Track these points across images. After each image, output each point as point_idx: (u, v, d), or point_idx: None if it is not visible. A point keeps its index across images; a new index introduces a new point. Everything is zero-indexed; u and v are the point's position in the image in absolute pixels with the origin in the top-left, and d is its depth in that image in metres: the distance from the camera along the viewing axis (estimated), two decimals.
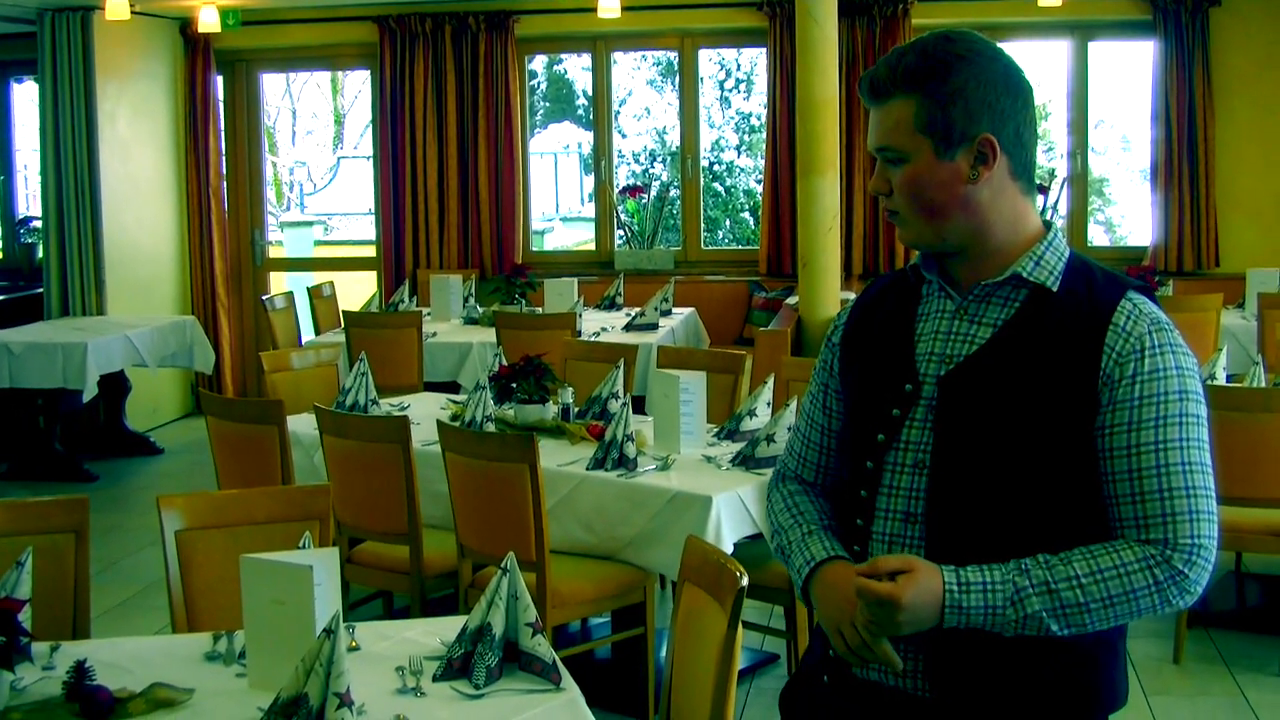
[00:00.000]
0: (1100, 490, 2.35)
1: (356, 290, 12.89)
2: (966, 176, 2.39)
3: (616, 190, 12.21)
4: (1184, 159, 10.86)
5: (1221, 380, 6.72)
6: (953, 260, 2.48)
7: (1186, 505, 2.29)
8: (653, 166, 16.58)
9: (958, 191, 2.40)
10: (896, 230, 2.50)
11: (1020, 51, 12.49)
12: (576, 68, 16.85)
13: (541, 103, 17.64)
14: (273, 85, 17.43)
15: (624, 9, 10.81)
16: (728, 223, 16.80)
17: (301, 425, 6.26)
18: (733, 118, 16.98)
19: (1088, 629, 2.31)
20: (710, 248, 12.88)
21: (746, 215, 16.50)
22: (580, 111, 17.26)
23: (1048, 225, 2.48)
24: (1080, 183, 11.49)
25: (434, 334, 9.42)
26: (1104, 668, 2.43)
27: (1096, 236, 13.23)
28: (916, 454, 2.43)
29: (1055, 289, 2.40)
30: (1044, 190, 11.15)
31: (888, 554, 2.43)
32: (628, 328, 9.48)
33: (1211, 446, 2.36)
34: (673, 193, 12.54)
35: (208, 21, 11.14)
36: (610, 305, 10.53)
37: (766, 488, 2.83)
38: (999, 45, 2.45)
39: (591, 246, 12.61)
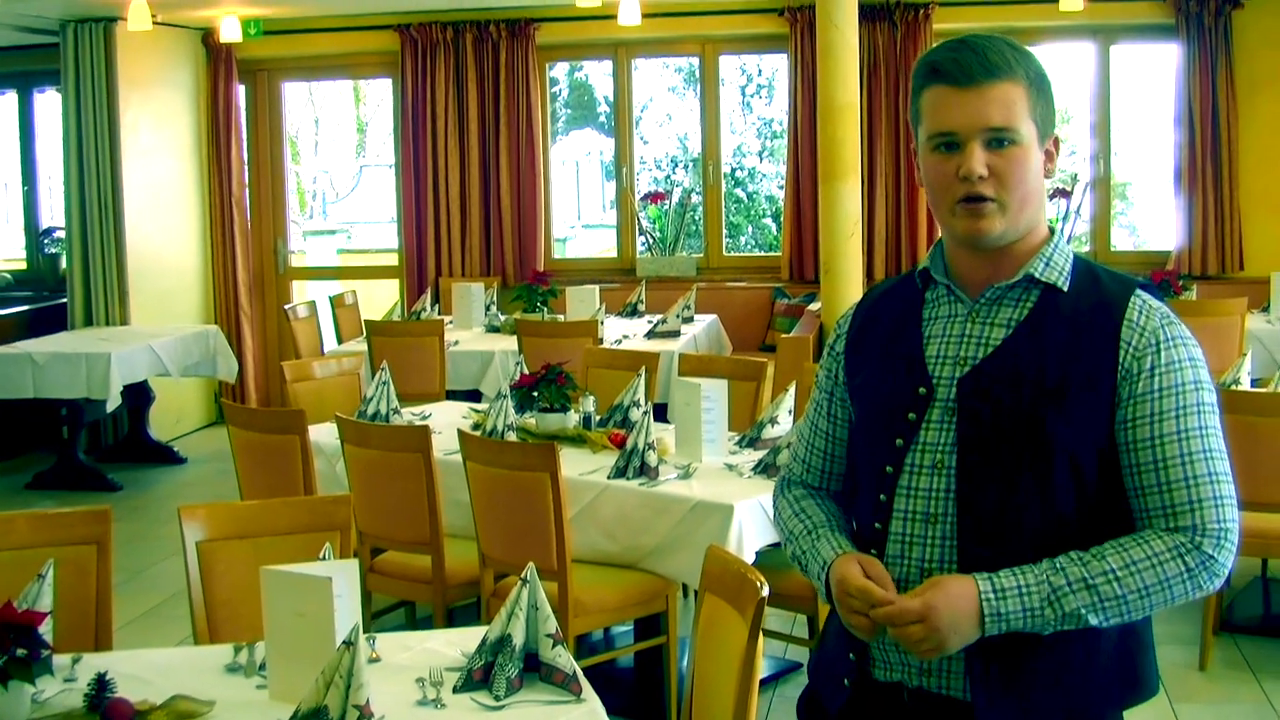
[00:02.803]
0: (1121, 483, 2.41)
1: (379, 298, 12.90)
2: (1045, 171, 2.47)
3: (638, 197, 12.21)
4: (1208, 162, 10.82)
5: (1246, 385, 6.70)
6: (976, 261, 2.50)
7: (1210, 491, 2.36)
8: (674, 173, 16.54)
9: (1040, 185, 2.48)
10: (978, 221, 2.42)
11: (1043, 55, 12.47)
12: (598, 74, 16.82)
13: (563, 109, 17.63)
14: (295, 94, 17.44)
15: (645, 16, 10.81)
16: (750, 228, 16.76)
17: (323, 434, 6.26)
18: (754, 123, 16.95)
19: (1124, 620, 2.37)
20: (732, 254, 12.85)
21: (769, 221, 16.46)
22: (601, 118, 17.24)
23: (1050, 229, 2.53)
24: (1103, 186, 11.46)
25: (456, 342, 9.42)
26: (1131, 656, 2.47)
27: (1120, 240, 13.16)
28: (935, 455, 2.47)
29: (1065, 289, 2.46)
30: (1067, 194, 11.13)
31: (906, 555, 2.48)
32: (649, 335, 9.48)
33: (1225, 434, 2.43)
34: (694, 199, 12.53)
35: (229, 31, 11.18)
36: (632, 312, 10.51)
37: (773, 495, 2.84)
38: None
39: (613, 253, 12.60)
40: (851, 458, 2.70)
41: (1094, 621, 2.33)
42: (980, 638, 2.36)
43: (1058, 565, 2.34)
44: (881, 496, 2.52)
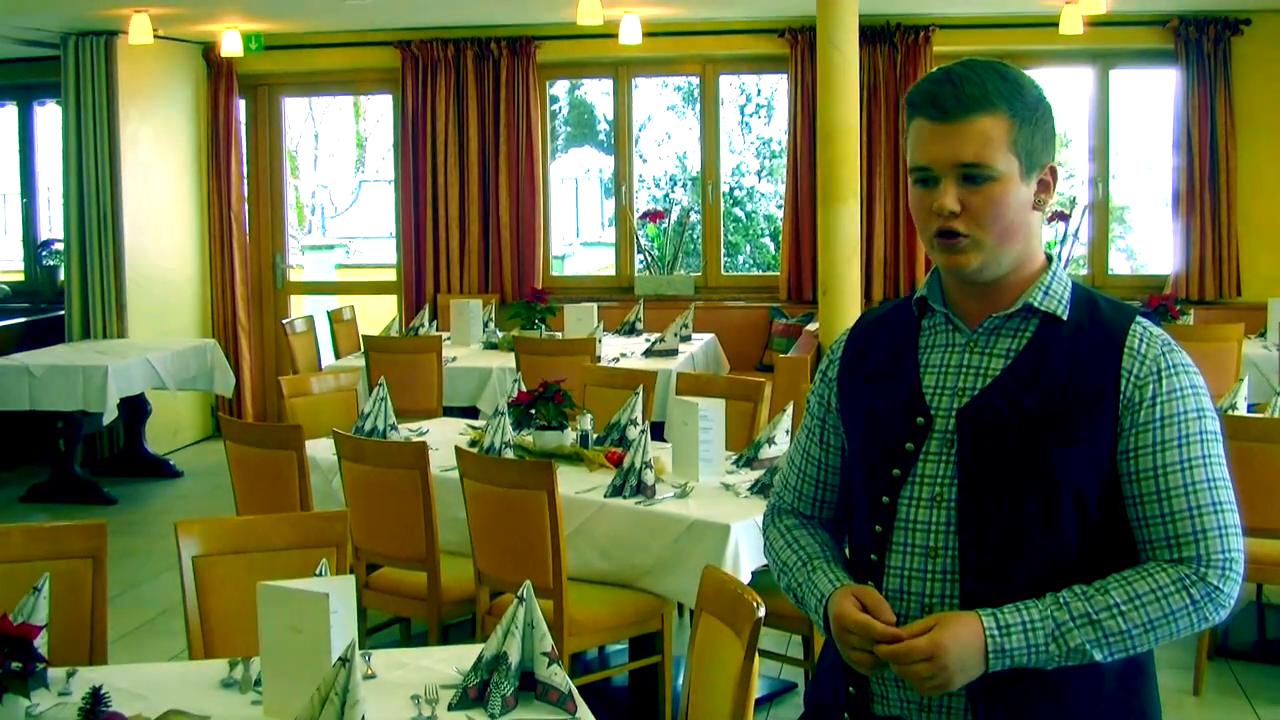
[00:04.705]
0: (1124, 514, 2.38)
1: (377, 314, 12.90)
2: (1035, 202, 2.42)
3: (637, 215, 12.21)
4: (1205, 187, 10.83)
5: (1243, 410, 6.69)
6: (972, 291, 2.47)
7: (1215, 521, 2.33)
8: (673, 191, 16.59)
9: (1028, 217, 2.42)
10: (954, 257, 2.41)
11: (1042, 79, 12.50)
12: (598, 92, 16.87)
13: (562, 127, 17.67)
14: (295, 109, 17.47)
15: (645, 35, 10.84)
16: (748, 248, 16.79)
17: (320, 450, 6.26)
18: (753, 143, 16.98)
19: (1129, 654, 2.34)
20: (730, 273, 12.88)
21: (767, 240, 16.48)
22: (601, 136, 17.28)
23: (1049, 257, 2.50)
24: (1101, 210, 11.48)
25: (454, 359, 9.42)
26: (1133, 688, 2.44)
27: (1117, 264, 13.19)
28: (933, 488, 2.43)
29: (1065, 317, 2.42)
30: (1065, 218, 11.14)
31: (905, 590, 2.44)
32: (647, 353, 9.47)
33: (1228, 462, 2.41)
34: (693, 218, 12.54)
35: (230, 46, 11.21)
36: (630, 331, 10.51)
37: (762, 524, 2.80)
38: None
39: (612, 272, 12.60)
40: (846, 486, 2.65)
41: (1099, 657, 2.30)
42: (984, 673, 2.33)
43: (1061, 600, 2.31)
44: (878, 527, 2.48)
